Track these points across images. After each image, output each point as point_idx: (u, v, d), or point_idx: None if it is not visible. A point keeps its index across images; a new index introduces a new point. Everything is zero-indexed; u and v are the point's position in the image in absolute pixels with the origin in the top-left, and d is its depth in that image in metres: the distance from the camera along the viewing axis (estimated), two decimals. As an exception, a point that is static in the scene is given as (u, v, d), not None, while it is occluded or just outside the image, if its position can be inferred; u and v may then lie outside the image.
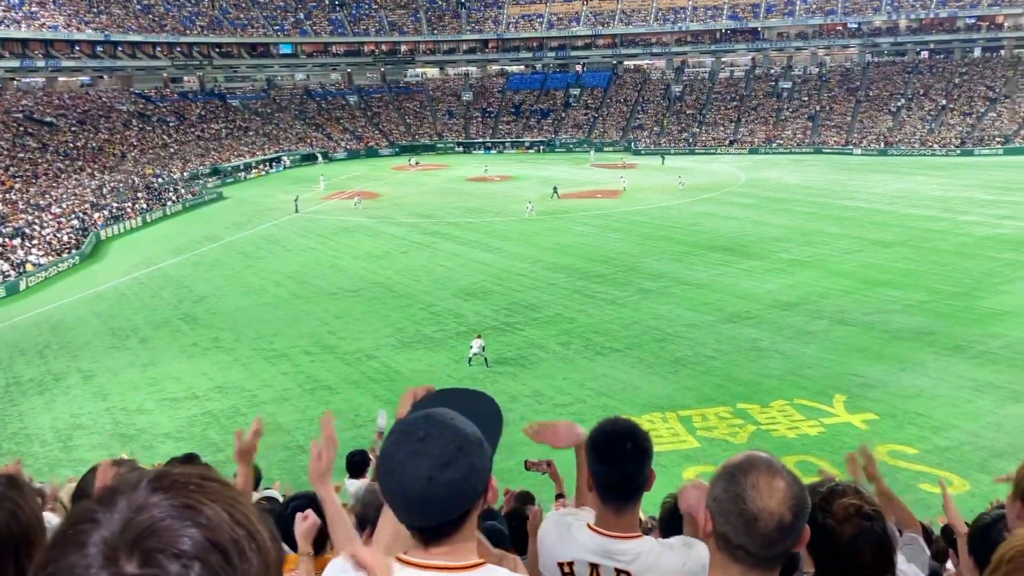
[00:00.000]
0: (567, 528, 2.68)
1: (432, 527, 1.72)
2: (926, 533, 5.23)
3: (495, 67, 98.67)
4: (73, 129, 65.21)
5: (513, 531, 5.96)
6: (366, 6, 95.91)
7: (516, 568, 2.39)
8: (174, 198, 55.54)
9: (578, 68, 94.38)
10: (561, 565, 2.55)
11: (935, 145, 70.78)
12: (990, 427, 17.94)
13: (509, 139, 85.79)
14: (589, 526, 2.65)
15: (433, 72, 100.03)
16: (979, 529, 3.05)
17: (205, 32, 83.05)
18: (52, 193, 49.94)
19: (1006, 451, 16.65)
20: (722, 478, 1.90)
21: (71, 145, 61.97)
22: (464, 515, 1.74)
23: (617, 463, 2.57)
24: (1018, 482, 2.51)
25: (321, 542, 3.64)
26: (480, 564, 1.76)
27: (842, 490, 2.44)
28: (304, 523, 3.10)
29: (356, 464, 8.11)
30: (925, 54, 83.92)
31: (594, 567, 2.54)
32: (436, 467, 1.65)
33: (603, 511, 2.64)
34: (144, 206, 52.17)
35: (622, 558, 2.52)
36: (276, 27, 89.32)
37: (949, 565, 4.48)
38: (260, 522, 1.04)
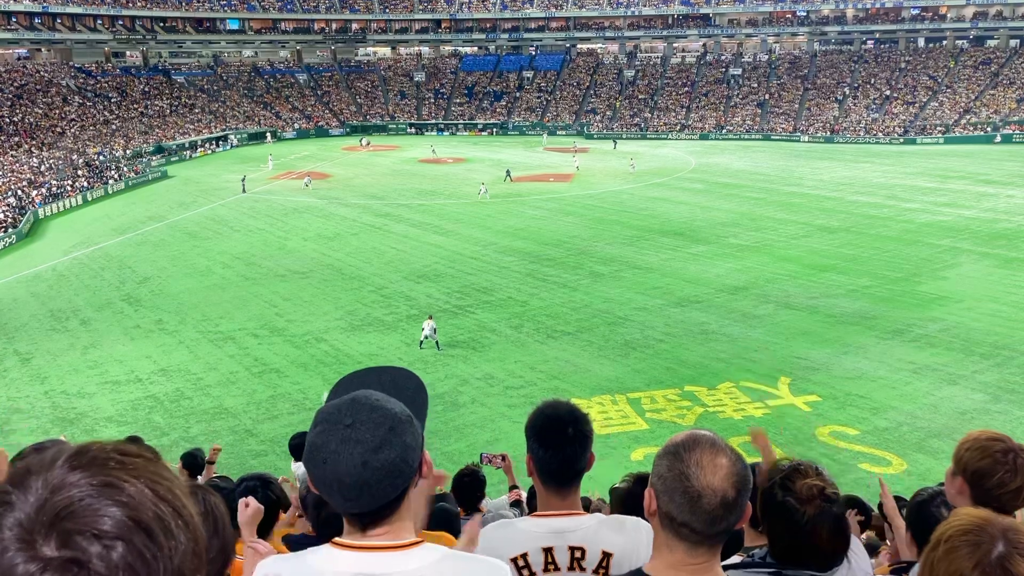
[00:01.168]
0: (509, 525, 2.64)
1: (370, 511, 1.69)
2: (864, 509, 5.36)
3: (448, 48, 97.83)
4: (9, 103, 62.93)
5: (465, 488, 6.04)
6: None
7: (475, 530, 2.37)
8: (116, 176, 53.99)
9: (532, 51, 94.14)
10: (515, 560, 2.50)
11: (879, 133, 72.38)
12: (927, 408, 18.50)
13: (462, 121, 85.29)
14: (533, 514, 2.63)
15: (385, 52, 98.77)
16: (916, 505, 3.13)
17: (148, 5, 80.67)
18: (-13, 170, 48.19)
19: (942, 432, 17.19)
20: (665, 456, 1.90)
21: (7, 120, 59.85)
22: (400, 495, 1.71)
23: (559, 448, 2.54)
24: (958, 460, 2.59)
25: (266, 527, 3.58)
26: (418, 542, 1.74)
27: (804, 470, 2.46)
28: (247, 510, 3.03)
29: (297, 447, 8.05)
30: (871, 43, 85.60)
31: (547, 551, 2.51)
32: (369, 451, 1.62)
33: (546, 495, 2.62)
34: (85, 184, 50.64)
35: (573, 535, 2.50)
36: (223, 2, 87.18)
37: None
38: (187, 497, 0.99)
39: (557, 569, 2.50)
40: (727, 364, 21.25)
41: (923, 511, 3.04)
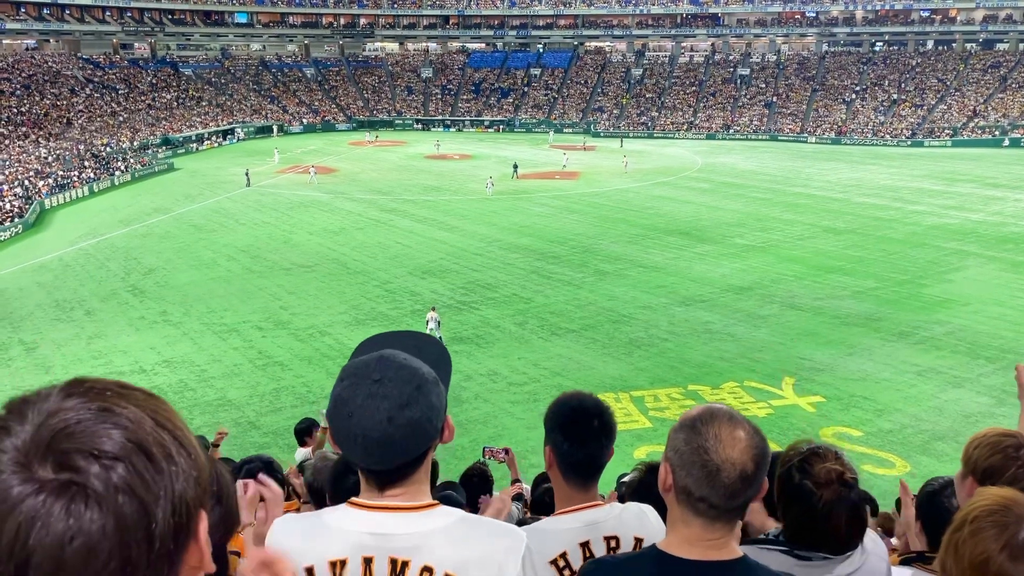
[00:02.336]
0: (538, 529, 2.52)
1: (390, 469, 1.69)
2: (871, 500, 5.34)
3: (456, 44, 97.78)
4: (17, 94, 63.03)
5: (475, 488, 6.08)
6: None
7: (505, 501, 2.33)
8: (123, 168, 54.08)
9: (539, 48, 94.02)
10: (555, 562, 2.42)
11: (887, 135, 72.17)
12: (932, 411, 18.43)
13: (468, 117, 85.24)
14: (558, 511, 2.56)
15: (393, 47, 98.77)
16: (926, 495, 3.10)
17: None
18: (-6, 159, 48.29)
19: (947, 434, 17.13)
20: (682, 430, 1.87)
21: (15, 111, 59.93)
22: (422, 456, 1.72)
23: (586, 442, 2.49)
24: (967, 460, 2.54)
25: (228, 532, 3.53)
26: (434, 504, 1.75)
27: (823, 453, 2.43)
28: (247, 494, 3.00)
29: (302, 431, 8.07)
30: (880, 45, 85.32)
31: (584, 545, 2.45)
32: (395, 408, 1.62)
33: (568, 489, 2.56)
34: (91, 175, 50.71)
35: (605, 525, 2.46)
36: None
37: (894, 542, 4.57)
38: (187, 429, 0.97)
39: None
40: (731, 364, 21.19)
41: (933, 501, 3.01)
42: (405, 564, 1.69)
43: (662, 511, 2.11)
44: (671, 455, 1.87)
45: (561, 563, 2.43)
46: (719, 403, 1.93)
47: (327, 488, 3.68)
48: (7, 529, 0.80)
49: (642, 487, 3.72)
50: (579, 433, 2.50)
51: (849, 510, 2.35)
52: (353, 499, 1.75)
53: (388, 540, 1.69)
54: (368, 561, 1.69)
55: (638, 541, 2.43)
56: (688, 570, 1.85)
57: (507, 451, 5.60)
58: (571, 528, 2.47)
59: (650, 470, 3.76)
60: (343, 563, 1.71)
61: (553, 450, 2.55)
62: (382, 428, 1.62)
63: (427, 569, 1.68)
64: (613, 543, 2.44)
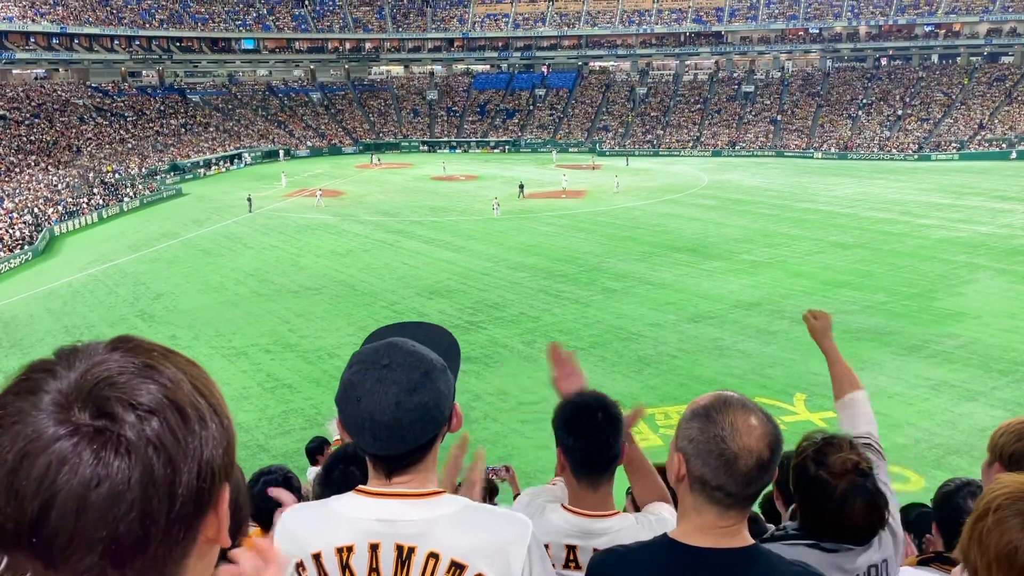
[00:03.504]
0: (540, 511, 2.61)
1: (397, 455, 1.70)
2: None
3: (460, 66, 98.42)
4: (27, 123, 63.65)
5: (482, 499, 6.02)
6: (330, 3, 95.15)
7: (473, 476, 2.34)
8: (131, 194, 54.45)
9: (544, 69, 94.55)
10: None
11: (893, 150, 72.12)
12: (945, 425, 18.25)
13: (474, 139, 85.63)
14: (564, 507, 2.57)
15: (398, 70, 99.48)
16: (943, 496, 3.08)
17: (165, 26, 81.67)
18: (4, 188, 48.68)
19: (961, 448, 16.94)
20: (695, 419, 1.87)
21: (24, 139, 60.48)
22: (430, 442, 1.73)
23: (590, 435, 2.51)
24: (993, 447, 2.53)
25: (236, 528, 3.47)
26: (439, 492, 1.76)
27: (838, 443, 2.43)
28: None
29: (313, 450, 8.02)
30: (884, 60, 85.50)
31: (571, 548, 2.48)
32: (404, 392, 1.64)
33: (579, 488, 2.57)
34: (100, 202, 51.06)
35: (603, 538, 2.45)
36: (238, 22, 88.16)
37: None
38: (223, 399, 1.00)
39: (578, 568, 2.46)
40: (741, 380, 21.04)
41: (950, 502, 3.00)
42: (411, 550, 1.70)
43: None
44: (685, 444, 1.86)
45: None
46: (728, 390, 1.94)
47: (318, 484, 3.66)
48: (38, 465, 0.82)
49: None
50: (583, 428, 2.54)
51: (865, 499, 2.33)
52: (360, 487, 1.76)
53: (394, 527, 1.71)
54: (375, 547, 1.71)
55: None
56: (701, 558, 1.84)
57: (508, 468, 5.60)
58: (563, 528, 2.51)
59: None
60: (350, 549, 1.73)
61: (561, 449, 2.57)
62: (390, 412, 1.64)
63: (433, 555, 1.69)
64: None
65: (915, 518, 3.46)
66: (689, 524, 1.90)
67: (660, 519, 2.52)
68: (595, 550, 2.42)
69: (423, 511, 1.71)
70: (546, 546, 2.46)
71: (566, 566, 2.49)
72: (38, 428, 0.84)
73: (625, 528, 2.48)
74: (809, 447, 2.44)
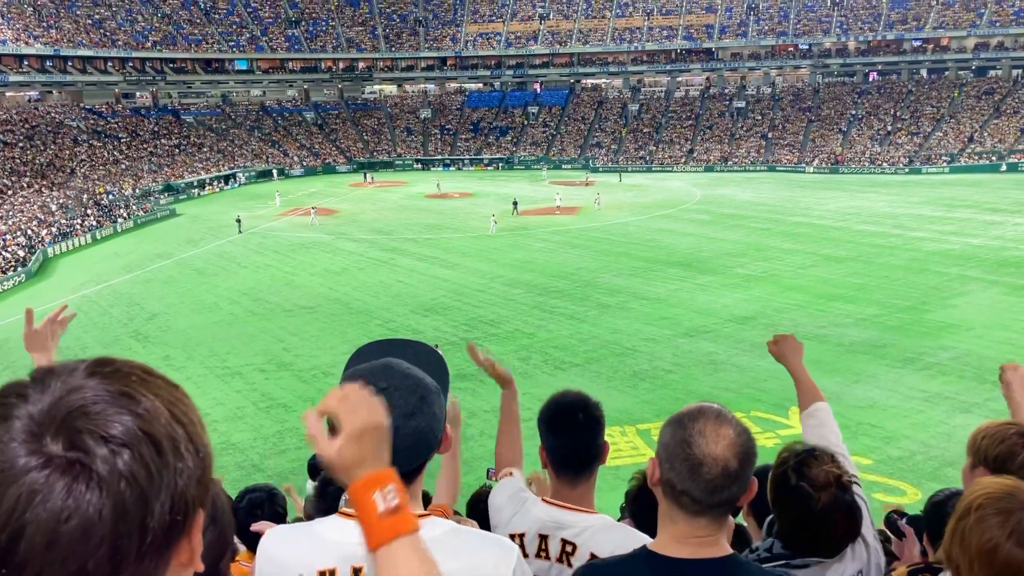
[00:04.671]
0: (522, 503, 2.68)
1: None
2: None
3: (453, 84, 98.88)
4: (20, 145, 63.67)
5: (482, 514, 6.03)
6: (323, 23, 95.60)
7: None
8: (125, 215, 54.43)
9: (536, 86, 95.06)
10: (512, 537, 2.54)
11: (884, 163, 72.55)
12: (940, 437, 18.28)
13: (468, 156, 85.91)
14: (544, 499, 2.64)
15: (391, 89, 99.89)
16: (932, 505, 3.12)
17: (158, 47, 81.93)
18: (-2, 209, 48.64)
19: (956, 460, 16.90)
20: (670, 425, 1.91)
21: (18, 161, 60.48)
22: (420, 466, 1.72)
23: (570, 434, 2.58)
24: (976, 450, 2.58)
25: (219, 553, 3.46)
26: (425, 515, 1.74)
27: (820, 456, 2.46)
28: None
29: (314, 466, 8.05)
30: (873, 75, 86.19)
31: (543, 538, 2.54)
32: (401, 417, 1.61)
33: (558, 484, 2.64)
34: (94, 223, 51.02)
35: (571, 529, 2.51)
36: (231, 43, 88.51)
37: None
38: (203, 427, 0.97)
39: (548, 558, 2.53)
40: (737, 394, 21.07)
41: (940, 511, 3.03)
42: None
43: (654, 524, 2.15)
44: (659, 449, 1.92)
45: (518, 541, 2.55)
46: (712, 402, 1.96)
47: (314, 497, 3.66)
48: (7, 497, 0.81)
49: (641, 494, 3.74)
50: (561, 426, 2.62)
51: (845, 511, 2.35)
52: (344, 509, 1.73)
53: None
54: (357, 571, 1.68)
55: (593, 557, 2.46)
56: (677, 569, 1.86)
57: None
58: (539, 518, 2.57)
59: (642, 488, 3.78)
60: (332, 572, 1.69)
61: (543, 446, 2.66)
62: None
63: None
64: (569, 548, 2.51)
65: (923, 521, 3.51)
66: (666, 534, 1.93)
67: (634, 535, 2.53)
68: (562, 540, 2.50)
69: None
70: (522, 535, 2.56)
71: (537, 555, 2.55)
72: (9, 458, 0.82)
73: (593, 525, 2.51)
74: (790, 457, 2.46)
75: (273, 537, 1.82)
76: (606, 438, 2.76)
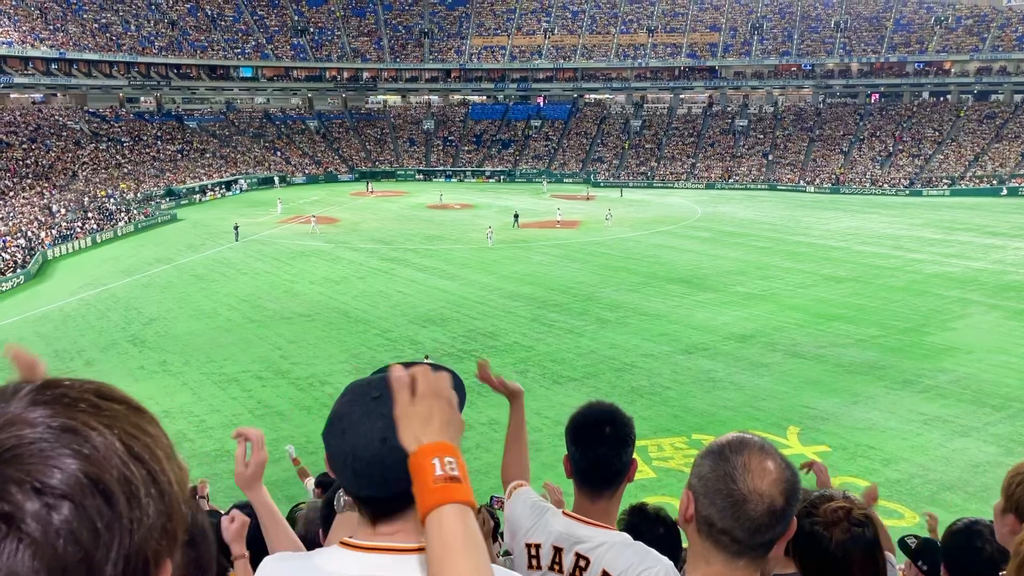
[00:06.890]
0: (542, 513, 2.62)
1: (383, 498, 1.56)
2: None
3: (457, 96, 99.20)
4: (24, 146, 63.73)
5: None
6: (329, 32, 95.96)
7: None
8: (126, 219, 54.42)
9: (539, 100, 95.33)
10: (529, 547, 2.52)
11: (885, 184, 72.71)
12: (939, 460, 18.18)
13: (470, 168, 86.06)
14: (564, 512, 2.60)
15: (395, 99, 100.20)
16: (951, 535, 3.01)
17: (164, 53, 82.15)
18: (-2, 210, 48.63)
19: (955, 484, 16.87)
20: (709, 456, 1.77)
21: (21, 163, 60.51)
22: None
23: (592, 447, 2.50)
24: (1009, 496, 2.44)
25: (260, 551, 3.42)
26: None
27: (829, 495, 2.35)
28: (232, 525, 2.92)
29: (325, 483, 7.97)
30: (876, 96, 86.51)
31: (558, 551, 2.48)
32: (391, 428, 1.47)
33: (579, 497, 2.58)
34: (94, 226, 51.00)
35: (586, 544, 2.44)
36: (237, 50, 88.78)
37: None
38: (168, 461, 0.83)
39: (561, 571, 2.48)
40: (735, 412, 20.99)
41: (958, 541, 2.95)
42: None
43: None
44: (695, 482, 1.77)
45: (533, 551, 2.51)
46: (750, 432, 1.83)
47: (320, 527, 3.59)
48: None
49: (628, 530, 3.65)
50: (586, 438, 2.53)
51: (863, 549, 2.23)
52: (344, 539, 1.63)
53: None
54: None
55: (605, 574, 2.41)
56: None
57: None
58: (556, 530, 2.51)
59: (631, 512, 3.70)
60: None
61: (567, 457, 2.59)
62: (374, 448, 1.50)
63: None
64: (583, 563, 2.44)
65: (917, 547, 3.40)
66: (697, 573, 1.79)
67: (656, 556, 2.45)
68: (576, 554, 2.43)
69: (409, 569, 1.55)
70: (538, 545, 2.51)
71: (551, 567, 2.50)
72: None
73: (608, 541, 2.43)
74: (802, 503, 2.36)
75: (270, 567, 1.75)
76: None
